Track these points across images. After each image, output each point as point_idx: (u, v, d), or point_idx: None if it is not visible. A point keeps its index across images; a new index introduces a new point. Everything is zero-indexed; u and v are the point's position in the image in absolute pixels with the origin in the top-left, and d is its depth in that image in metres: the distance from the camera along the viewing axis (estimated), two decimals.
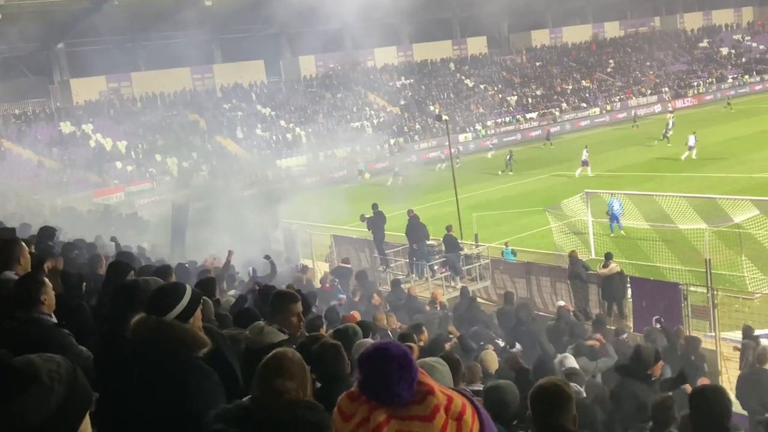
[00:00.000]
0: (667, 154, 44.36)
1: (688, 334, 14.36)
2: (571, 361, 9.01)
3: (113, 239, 16.29)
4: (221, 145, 58.36)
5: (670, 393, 7.87)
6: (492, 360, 8.64)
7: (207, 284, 7.57)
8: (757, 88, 77.76)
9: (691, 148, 41.65)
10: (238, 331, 5.79)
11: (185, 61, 64.38)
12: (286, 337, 4.95)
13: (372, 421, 1.29)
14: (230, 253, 16.41)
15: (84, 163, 52.51)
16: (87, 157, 53.51)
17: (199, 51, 66.47)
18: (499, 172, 45.38)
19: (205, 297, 5.93)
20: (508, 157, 46.23)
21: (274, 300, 5.51)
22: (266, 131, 61.38)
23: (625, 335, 13.57)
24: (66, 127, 56.71)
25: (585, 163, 41.00)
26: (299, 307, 5.41)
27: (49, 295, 4.78)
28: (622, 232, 27.09)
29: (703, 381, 9.65)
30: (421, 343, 8.56)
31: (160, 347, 3.56)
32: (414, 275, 21.97)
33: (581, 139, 52.09)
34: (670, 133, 48.33)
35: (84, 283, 7.32)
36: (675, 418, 6.55)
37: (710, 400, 5.07)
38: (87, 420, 2.09)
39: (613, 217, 27.13)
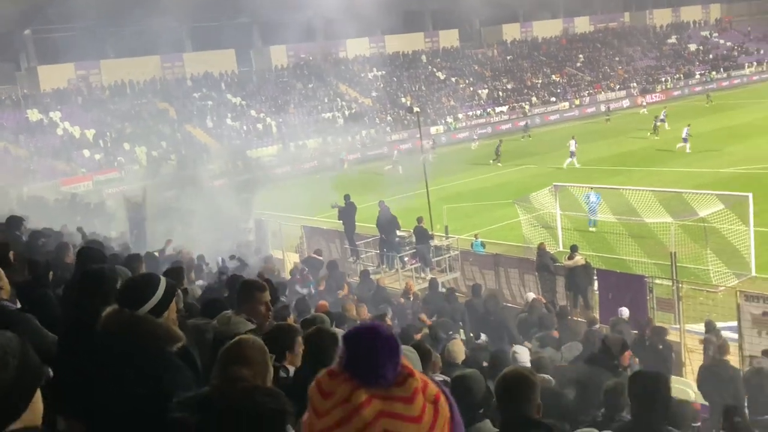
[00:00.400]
0: (636, 147, 44.84)
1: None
2: (523, 356, 9.12)
3: (79, 229, 16.13)
4: (191, 135, 57.91)
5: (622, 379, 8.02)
6: (459, 350, 8.71)
7: (176, 274, 7.53)
8: (724, 84, 78.84)
9: (685, 141, 41.95)
10: (205, 321, 5.77)
11: (155, 49, 63.67)
12: (253, 326, 4.94)
13: (353, 401, 1.29)
14: (168, 242, 16.36)
15: (51, 152, 51.80)
16: (54, 145, 52.79)
17: (170, 39, 65.65)
18: (491, 161, 45.79)
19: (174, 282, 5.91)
20: (497, 146, 46.86)
21: (241, 289, 5.51)
22: (236, 121, 61.02)
23: (597, 326, 13.74)
24: (33, 115, 55.88)
25: (573, 155, 41.32)
26: (267, 296, 5.41)
27: (4, 281, 4.75)
28: (592, 228, 27.01)
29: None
30: None
31: (132, 341, 3.49)
32: (384, 266, 22.02)
33: (553, 133, 52.48)
34: (659, 123, 49.00)
35: (51, 272, 7.25)
36: (627, 403, 6.67)
37: (648, 385, 5.17)
38: (38, 395, 2.11)
39: (591, 211, 26.92)
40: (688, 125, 42.54)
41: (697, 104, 63.45)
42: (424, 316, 14.11)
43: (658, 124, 49.05)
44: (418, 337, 10.37)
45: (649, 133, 47.86)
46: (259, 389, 3.18)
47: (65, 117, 56.61)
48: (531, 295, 16.94)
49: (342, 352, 1.33)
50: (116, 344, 3.50)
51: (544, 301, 16.35)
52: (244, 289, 5.45)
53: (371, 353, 1.32)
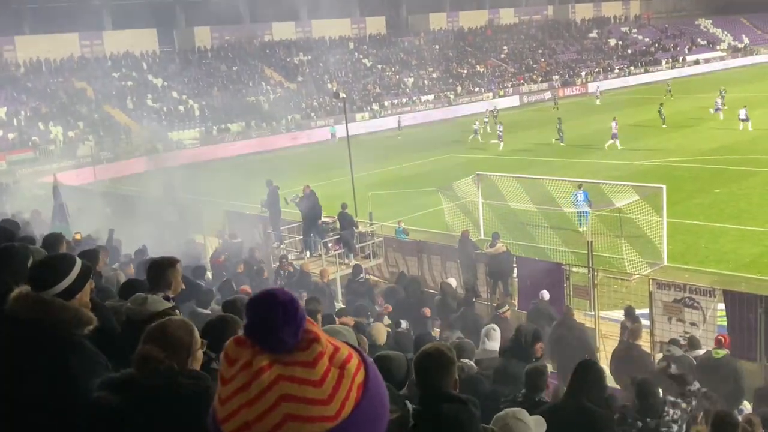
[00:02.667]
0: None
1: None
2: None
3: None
4: (109, 115, 56.36)
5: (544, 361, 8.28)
6: (380, 332, 8.80)
7: (91, 255, 7.34)
8: (645, 79, 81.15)
9: (614, 137, 41.43)
10: (121, 303, 5.63)
11: (74, 26, 61.63)
12: (171, 305, 4.85)
13: (254, 365, 1.31)
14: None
15: None
16: None
17: (89, 16, 63.70)
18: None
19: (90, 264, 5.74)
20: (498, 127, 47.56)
21: (151, 268, 5.38)
22: (157, 102, 59.66)
23: (505, 308, 14.05)
24: None
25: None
26: (179, 271, 5.32)
27: None
28: (583, 228, 24.49)
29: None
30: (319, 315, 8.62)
31: (39, 326, 3.34)
32: (307, 252, 21.95)
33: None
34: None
35: None
36: (547, 385, 6.89)
37: (589, 371, 5.37)
38: None
39: (581, 213, 25.47)
40: (614, 118, 42.89)
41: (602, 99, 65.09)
42: (388, 306, 14.45)
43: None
44: (338, 321, 10.38)
45: (554, 139, 45.37)
46: (181, 371, 3.12)
47: None
48: (451, 280, 17.28)
49: (245, 319, 1.35)
50: (21, 329, 3.35)
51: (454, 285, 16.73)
52: (155, 268, 5.32)
53: (268, 318, 1.34)
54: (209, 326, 4.66)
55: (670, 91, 61.99)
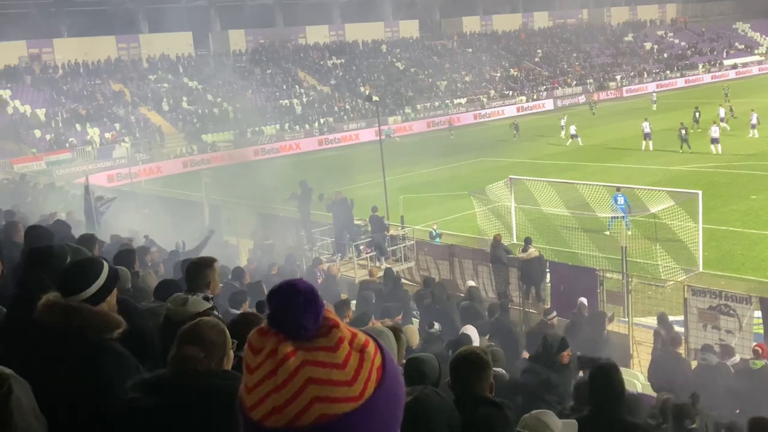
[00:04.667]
0: (593, 143, 45.42)
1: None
2: (473, 336, 9.29)
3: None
4: (145, 117, 57.04)
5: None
6: (413, 334, 8.81)
7: (126, 256, 7.42)
8: (679, 84, 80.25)
9: (647, 137, 41.51)
10: (158, 305, 5.68)
11: (111, 29, 62.56)
12: (210, 305, 4.90)
13: (279, 353, 1.37)
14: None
15: (1, 130, 50.57)
16: (4, 124, 51.55)
17: (126, 20, 64.71)
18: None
19: (122, 267, 5.80)
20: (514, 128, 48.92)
21: (189, 269, 5.43)
22: (192, 105, 60.26)
23: (552, 315, 13.97)
24: None
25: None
26: (216, 271, 5.36)
27: None
28: (629, 231, 23.59)
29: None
30: (347, 320, 8.64)
31: (68, 332, 3.38)
32: (339, 254, 22.02)
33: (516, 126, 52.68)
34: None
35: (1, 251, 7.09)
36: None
37: (609, 376, 5.30)
38: None
39: (622, 213, 25.16)
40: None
41: (641, 104, 64.24)
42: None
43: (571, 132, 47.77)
44: (372, 323, 10.38)
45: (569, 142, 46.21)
46: (216, 372, 3.15)
47: (16, 95, 55.30)
48: (470, 283, 17.24)
49: (267, 310, 1.41)
50: (51, 336, 3.39)
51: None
52: (194, 268, 5.36)
53: (290, 306, 1.40)
54: (233, 325, 4.70)
55: (727, 95, 59.46)
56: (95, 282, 3.58)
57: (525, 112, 67.96)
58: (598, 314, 13.89)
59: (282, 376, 1.36)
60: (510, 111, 68.08)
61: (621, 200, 25.04)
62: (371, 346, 1.44)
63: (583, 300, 15.23)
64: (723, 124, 42.86)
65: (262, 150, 54.43)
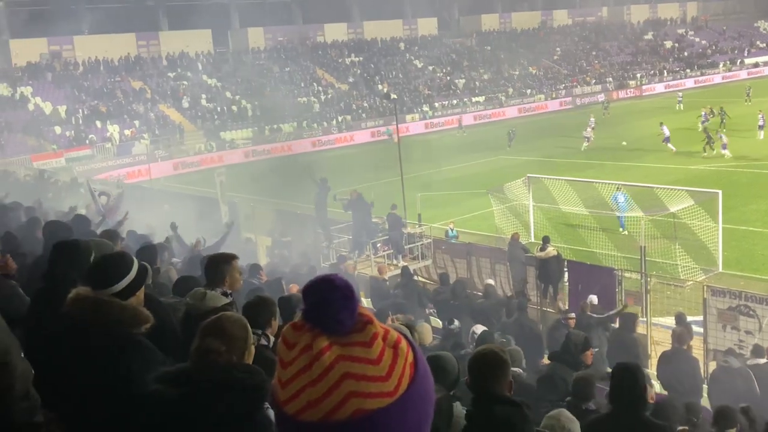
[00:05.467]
0: (610, 142, 45.20)
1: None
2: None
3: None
4: (165, 114, 57.35)
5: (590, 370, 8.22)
6: (427, 333, 8.84)
7: (148, 252, 7.49)
8: (699, 82, 79.59)
9: (667, 140, 40.83)
10: (177, 300, 5.74)
11: (130, 26, 62.93)
12: (229, 300, 4.95)
13: (314, 347, 1.39)
14: None
15: (21, 127, 51.03)
16: (25, 120, 52.00)
17: (145, 17, 65.05)
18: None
19: (145, 263, 5.86)
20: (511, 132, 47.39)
21: (208, 265, 5.48)
22: (211, 102, 60.52)
23: (571, 315, 13.92)
24: (3, 89, 54.95)
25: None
26: (236, 266, 5.42)
27: None
28: (624, 231, 25.19)
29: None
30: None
31: (97, 326, 3.42)
32: (356, 252, 22.06)
33: (532, 124, 52.55)
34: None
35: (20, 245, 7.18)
36: (593, 395, 6.82)
37: (629, 375, 5.29)
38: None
39: (621, 210, 25.58)
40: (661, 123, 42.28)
41: (662, 103, 63.73)
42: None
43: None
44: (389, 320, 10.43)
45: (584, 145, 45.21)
46: (236, 365, 3.18)
47: (36, 92, 55.76)
48: (488, 282, 17.23)
49: (302, 304, 1.43)
50: (81, 329, 3.43)
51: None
52: (212, 264, 5.42)
53: (326, 301, 1.41)
54: (248, 306, 4.82)
55: (749, 95, 59.17)
56: (126, 276, 3.63)
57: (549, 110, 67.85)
58: (629, 316, 13.76)
59: (317, 370, 1.37)
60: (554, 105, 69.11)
61: (621, 199, 25.12)
62: (404, 343, 1.45)
63: (593, 297, 15.18)
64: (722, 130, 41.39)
65: (318, 142, 56.81)
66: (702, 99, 58.63)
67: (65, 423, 3.07)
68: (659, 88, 76.65)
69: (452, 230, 24.10)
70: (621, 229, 25.31)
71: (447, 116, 64.46)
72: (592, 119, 46.94)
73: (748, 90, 60.28)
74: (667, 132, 40.97)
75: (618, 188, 25.56)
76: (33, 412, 2.84)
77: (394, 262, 21.31)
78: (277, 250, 20.84)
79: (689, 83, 78.74)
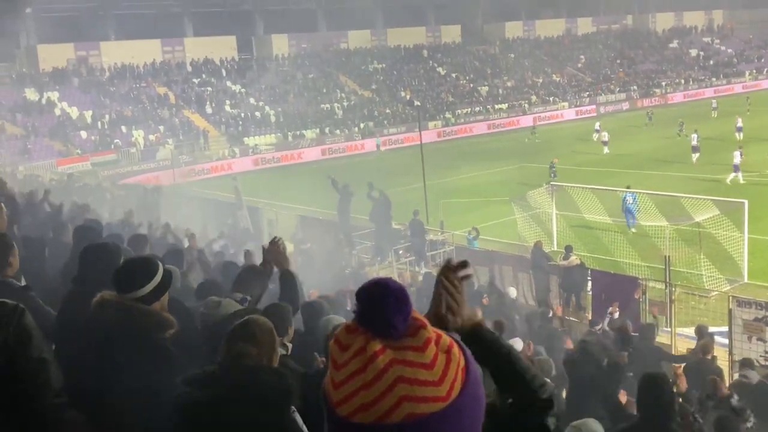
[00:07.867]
0: (633, 150, 44.86)
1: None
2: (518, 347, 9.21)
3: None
4: (189, 120, 57.77)
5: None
6: None
7: (175, 256, 7.54)
8: (723, 90, 78.86)
9: (695, 149, 40.13)
10: (197, 305, 5.77)
11: (156, 32, 63.51)
12: (242, 307, 4.97)
13: (368, 350, 1.40)
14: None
15: (48, 131, 51.64)
16: (51, 125, 52.62)
17: (171, 23, 65.67)
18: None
19: (173, 267, 5.91)
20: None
21: (244, 274, 5.52)
22: (235, 108, 60.89)
23: (599, 326, 13.83)
24: (31, 94, 55.65)
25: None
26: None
27: (16, 258, 4.74)
28: (633, 230, 26.01)
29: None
30: None
31: (122, 330, 3.43)
32: (379, 258, 22.06)
33: (554, 131, 52.42)
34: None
35: (46, 249, 7.25)
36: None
37: (656, 385, 5.25)
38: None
39: (628, 213, 26.30)
40: (695, 131, 41.70)
41: (688, 112, 63.18)
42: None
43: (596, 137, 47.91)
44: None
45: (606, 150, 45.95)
46: (264, 368, 3.20)
47: (63, 97, 56.42)
48: (512, 291, 17.13)
49: (356, 307, 1.43)
50: (106, 333, 3.44)
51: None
52: (247, 274, 5.45)
53: (381, 305, 1.42)
54: (266, 312, 4.78)
55: (749, 102, 59.30)
56: (151, 281, 3.63)
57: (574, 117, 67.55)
58: (647, 327, 13.64)
59: (371, 373, 1.39)
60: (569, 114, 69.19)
61: (630, 200, 25.14)
62: (456, 348, 1.46)
63: (615, 311, 15.04)
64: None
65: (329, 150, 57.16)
66: (734, 108, 58.02)
67: (93, 424, 3.09)
68: (678, 97, 76.02)
69: (474, 240, 23.98)
70: (630, 228, 25.90)
71: (468, 123, 64.46)
72: (598, 124, 49.08)
73: (747, 99, 60.23)
74: (695, 141, 40.44)
75: (628, 186, 25.87)
76: (64, 410, 2.88)
77: (416, 269, 21.27)
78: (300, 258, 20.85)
79: (709, 93, 78.03)
